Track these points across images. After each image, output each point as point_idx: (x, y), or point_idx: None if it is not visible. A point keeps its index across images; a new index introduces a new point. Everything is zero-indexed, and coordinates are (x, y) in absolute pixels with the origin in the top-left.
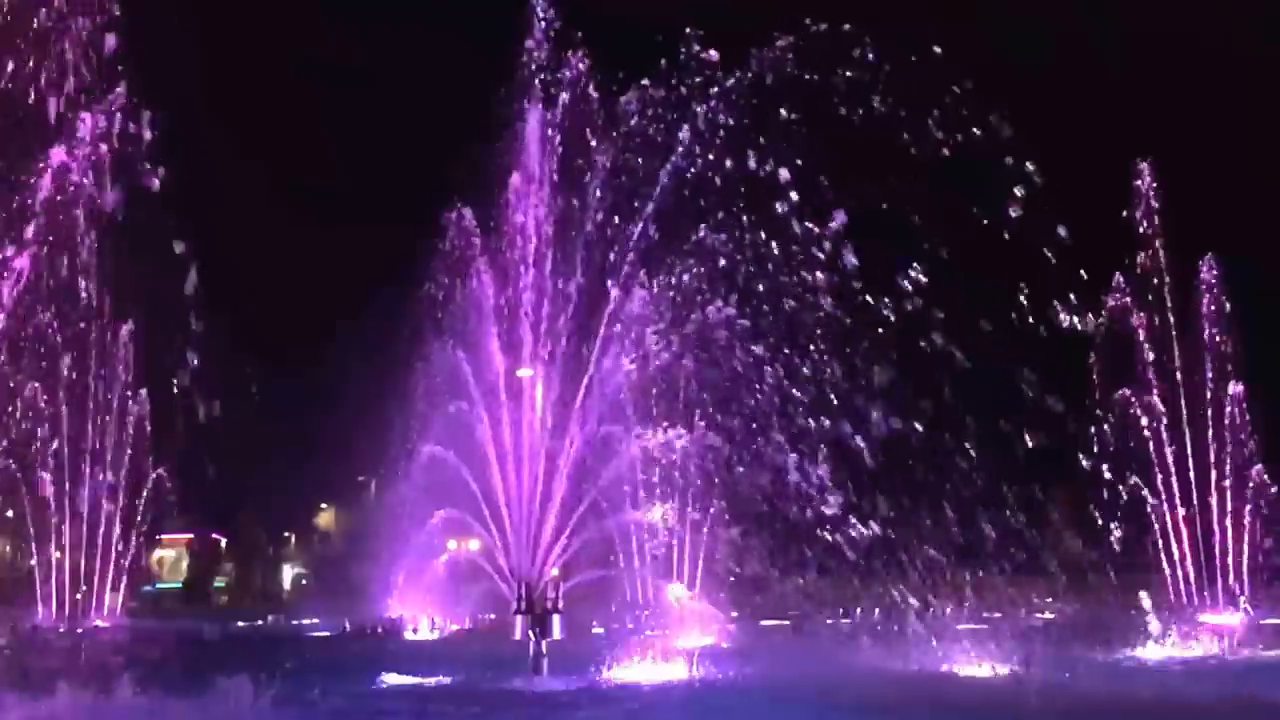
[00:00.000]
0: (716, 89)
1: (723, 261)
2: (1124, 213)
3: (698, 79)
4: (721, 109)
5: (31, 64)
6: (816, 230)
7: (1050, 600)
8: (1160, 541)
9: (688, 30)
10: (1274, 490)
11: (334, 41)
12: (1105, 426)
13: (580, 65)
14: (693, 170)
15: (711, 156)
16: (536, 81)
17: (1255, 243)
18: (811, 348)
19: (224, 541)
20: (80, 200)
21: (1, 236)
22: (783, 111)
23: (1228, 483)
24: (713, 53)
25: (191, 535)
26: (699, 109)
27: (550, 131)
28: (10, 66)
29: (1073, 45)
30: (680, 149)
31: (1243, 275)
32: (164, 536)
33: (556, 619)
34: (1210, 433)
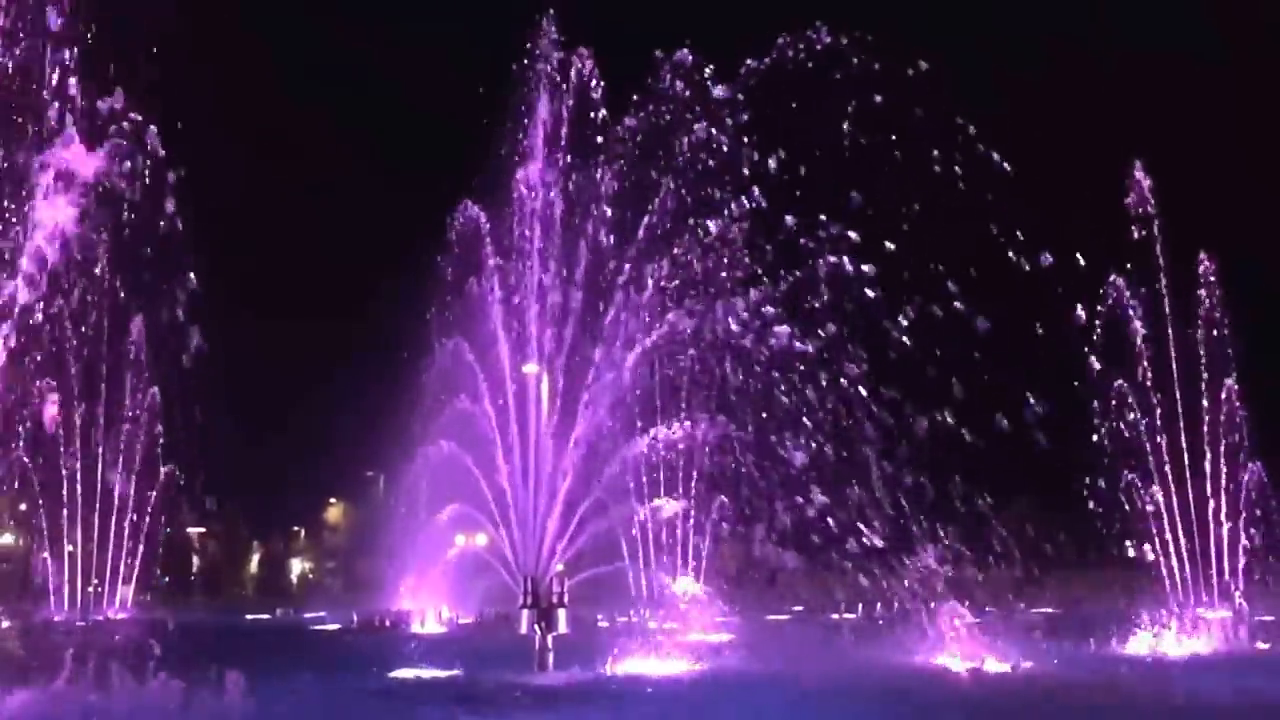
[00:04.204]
0: (716, 96)
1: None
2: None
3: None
4: (724, 110)
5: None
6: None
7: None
8: (1155, 537)
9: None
10: (1269, 486)
11: (339, 38)
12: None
13: (586, 64)
14: (700, 166)
15: (718, 149)
16: (543, 80)
17: (1251, 239)
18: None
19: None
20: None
21: (7, 233)
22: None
23: (1223, 478)
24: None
25: (199, 530)
26: (702, 110)
27: (557, 127)
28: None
29: (1068, 49)
30: (685, 145)
31: (1239, 272)
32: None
33: (562, 613)
34: (1206, 428)
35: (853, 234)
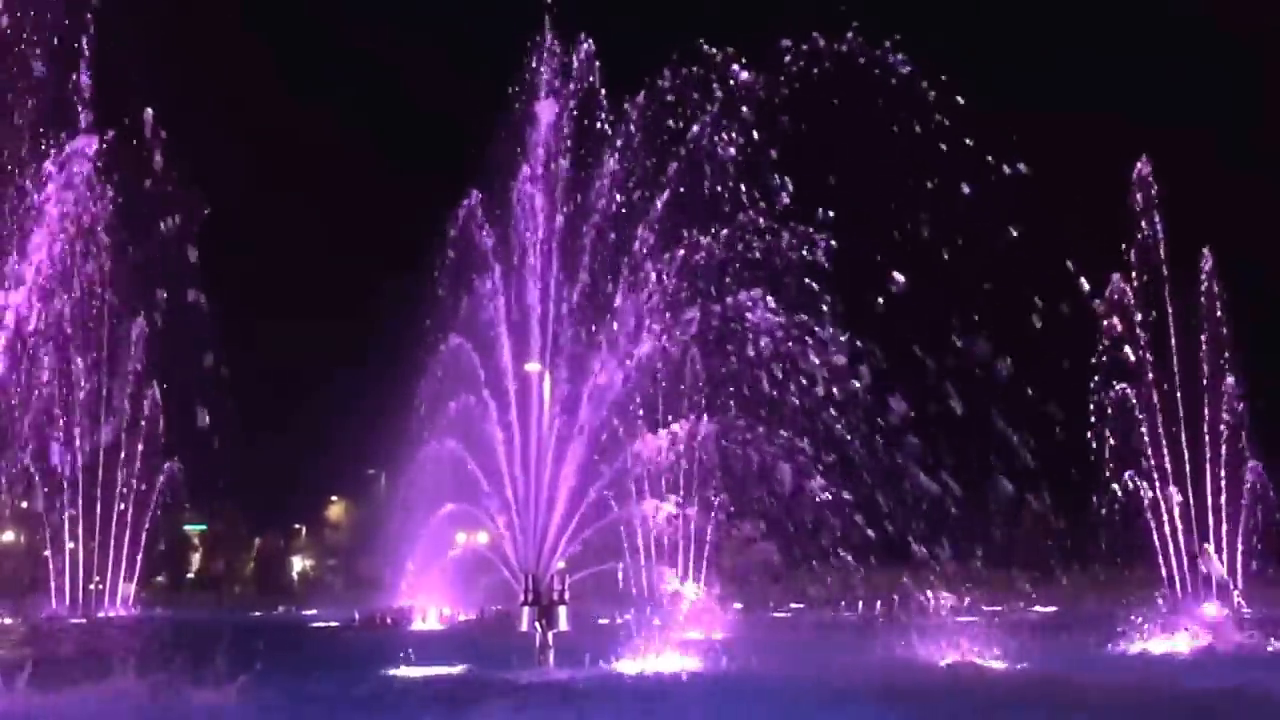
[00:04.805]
0: (725, 92)
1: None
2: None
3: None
4: (730, 110)
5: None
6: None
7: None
8: (1155, 534)
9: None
10: (1269, 485)
11: (342, 38)
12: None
13: (590, 60)
14: (712, 159)
15: (723, 150)
16: (546, 76)
17: (1251, 240)
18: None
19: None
20: (86, 200)
21: (10, 233)
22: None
23: (1223, 478)
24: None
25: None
26: (711, 107)
27: (561, 124)
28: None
29: (1069, 50)
30: (690, 143)
31: (1240, 271)
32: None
33: (563, 610)
34: (1206, 427)
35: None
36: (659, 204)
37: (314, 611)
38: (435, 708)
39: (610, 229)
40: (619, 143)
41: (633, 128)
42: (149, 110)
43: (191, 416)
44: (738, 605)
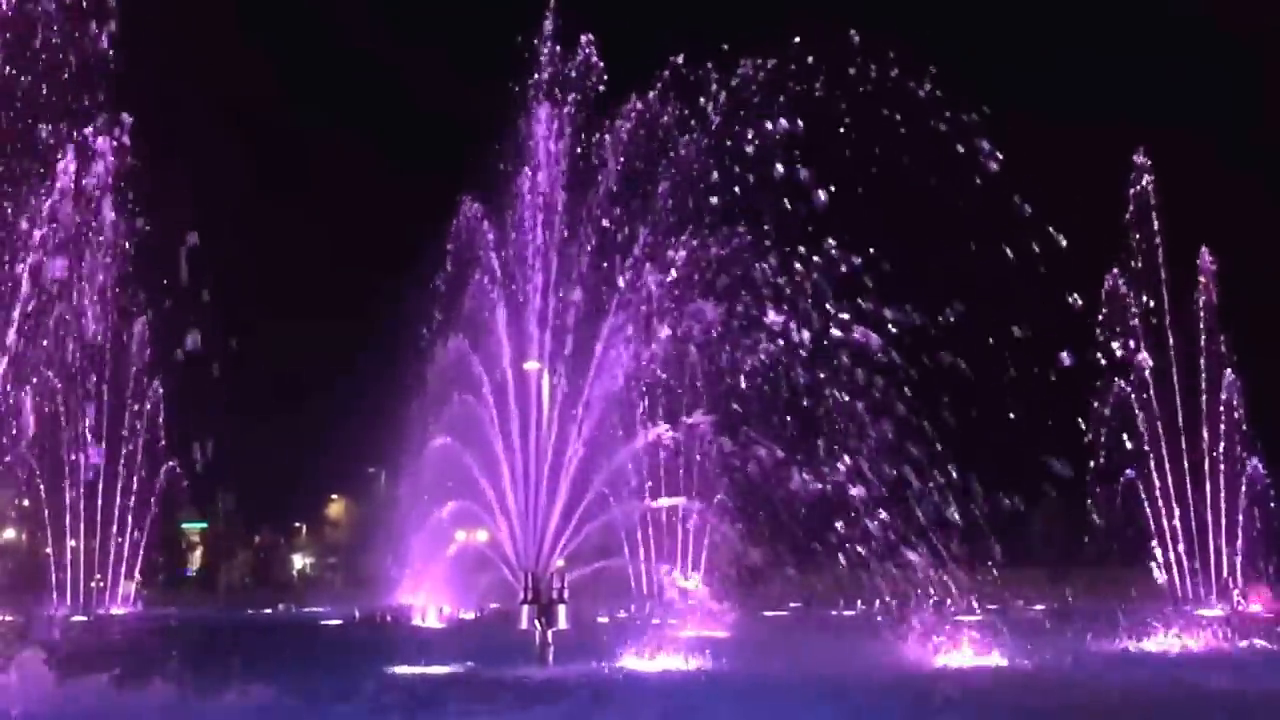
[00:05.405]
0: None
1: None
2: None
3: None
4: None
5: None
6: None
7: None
8: (1154, 533)
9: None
10: (1268, 484)
11: (341, 38)
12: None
13: (590, 58)
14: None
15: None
16: (546, 75)
17: (1252, 239)
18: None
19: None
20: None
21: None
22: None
23: (1222, 477)
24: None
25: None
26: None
27: (560, 122)
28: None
29: (1069, 50)
30: (690, 142)
31: (1239, 271)
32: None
33: (562, 609)
34: (1205, 425)
35: None
36: (661, 200)
37: (314, 609)
38: (434, 706)
39: (612, 226)
40: (621, 142)
41: (638, 123)
42: (193, 235)
43: (192, 413)
44: (738, 604)
